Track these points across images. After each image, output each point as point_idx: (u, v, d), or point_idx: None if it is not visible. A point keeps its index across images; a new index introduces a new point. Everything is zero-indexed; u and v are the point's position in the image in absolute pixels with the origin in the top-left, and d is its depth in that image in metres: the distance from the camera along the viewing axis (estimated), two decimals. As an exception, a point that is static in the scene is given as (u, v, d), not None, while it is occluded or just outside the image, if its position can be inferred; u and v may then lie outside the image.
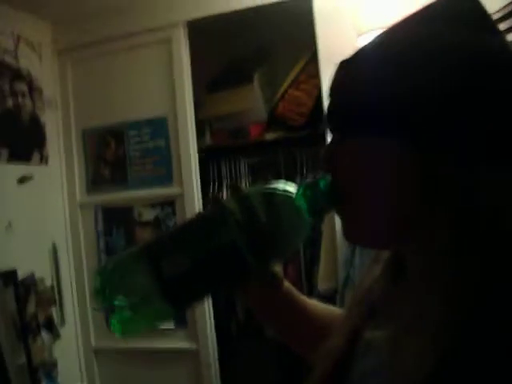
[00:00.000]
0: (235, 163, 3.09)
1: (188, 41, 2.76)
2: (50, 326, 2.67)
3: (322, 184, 0.68)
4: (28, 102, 2.67)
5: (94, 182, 2.92)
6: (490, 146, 0.56)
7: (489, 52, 0.58)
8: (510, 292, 0.53)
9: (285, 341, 0.92)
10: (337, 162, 0.65)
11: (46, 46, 2.84)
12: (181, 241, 0.70)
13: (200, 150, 2.80)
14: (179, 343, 2.79)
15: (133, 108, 2.82)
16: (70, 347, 2.84)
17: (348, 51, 2.18)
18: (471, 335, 0.52)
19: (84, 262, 2.92)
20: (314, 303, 0.90)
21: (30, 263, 2.58)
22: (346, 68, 0.65)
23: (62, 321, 2.78)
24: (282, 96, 2.86)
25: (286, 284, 0.84)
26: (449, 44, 0.57)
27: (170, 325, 2.78)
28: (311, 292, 2.70)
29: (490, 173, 0.56)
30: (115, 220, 2.88)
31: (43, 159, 2.76)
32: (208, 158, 3.03)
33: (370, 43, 0.64)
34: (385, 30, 0.64)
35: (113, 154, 2.88)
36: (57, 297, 2.76)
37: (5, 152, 2.50)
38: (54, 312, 2.73)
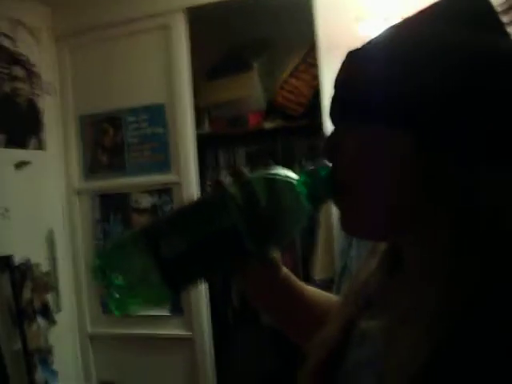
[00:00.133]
0: (233, 151, 3.09)
1: (187, 27, 2.74)
2: (46, 311, 2.68)
3: (322, 172, 0.68)
4: (26, 87, 2.65)
5: (92, 169, 2.91)
6: (490, 145, 0.56)
7: (490, 51, 0.57)
8: (508, 289, 0.52)
9: (282, 328, 0.91)
10: (339, 153, 0.65)
11: (45, 31, 2.82)
12: (180, 223, 0.70)
13: (198, 138, 2.79)
14: (175, 330, 2.79)
15: (131, 94, 2.81)
16: (66, 333, 2.84)
17: (348, 40, 2.17)
18: (467, 328, 0.52)
19: (81, 248, 2.92)
20: (312, 290, 0.89)
21: (27, 249, 2.58)
22: (354, 60, 0.64)
23: (58, 307, 2.78)
24: (281, 85, 2.85)
25: (285, 270, 0.84)
26: (450, 44, 0.57)
27: (165, 312, 2.79)
28: (308, 282, 2.70)
29: (491, 173, 0.55)
30: (112, 207, 2.88)
31: (41, 145, 2.75)
32: (206, 146, 3.03)
33: (377, 38, 0.64)
34: (391, 26, 0.64)
35: (111, 141, 2.87)
36: (53, 283, 2.76)
37: (2, 137, 2.49)
38: (50, 298, 2.73)
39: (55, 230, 2.80)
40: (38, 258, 2.66)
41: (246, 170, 0.71)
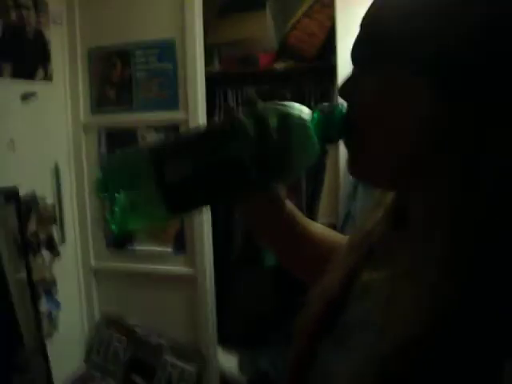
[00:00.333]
0: (242, 91, 3.04)
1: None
2: (51, 244, 2.70)
3: (337, 112, 0.68)
4: (33, 16, 2.59)
5: (99, 103, 2.88)
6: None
7: None
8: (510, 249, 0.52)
9: (288, 266, 0.92)
10: (357, 95, 0.64)
11: (53, -42, 2.74)
12: (188, 146, 0.70)
13: (207, 76, 2.75)
14: (177, 267, 2.83)
15: (141, 29, 2.75)
16: (70, 266, 2.88)
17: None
18: (473, 287, 0.51)
19: (86, 182, 2.92)
20: (318, 227, 0.90)
21: (32, 182, 2.58)
22: (387, 3, 0.62)
23: (63, 240, 2.81)
24: (294, 25, 2.79)
25: (290, 206, 0.84)
26: None
27: (169, 248, 2.81)
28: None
29: (504, 139, 0.54)
30: (118, 142, 2.86)
31: (47, 77, 2.71)
32: (215, 85, 2.99)
33: None
34: None
35: (118, 75, 2.83)
36: (58, 216, 2.77)
37: (8, 67, 2.45)
38: (55, 231, 2.75)
39: (61, 164, 2.80)
40: (44, 190, 2.66)
41: (260, 101, 0.70)
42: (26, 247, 2.47)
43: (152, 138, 2.79)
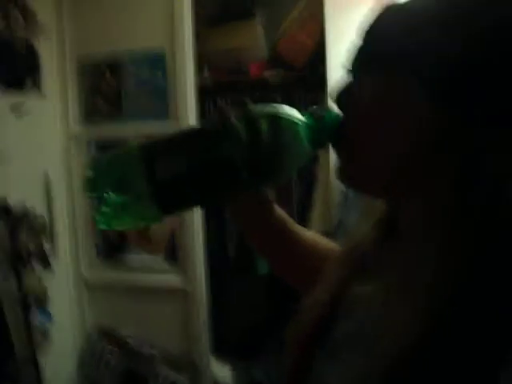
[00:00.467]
0: (232, 101, 3.05)
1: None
2: (42, 256, 2.69)
3: (328, 116, 0.68)
4: (21, 27, 2.59)
5: (89, 114, 2.87)
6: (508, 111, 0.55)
7: None
8: (507, 257, 0.52)
9: (279, 272, 0.92)
10: (352, 102, 0.64)
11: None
12: (179, 145, 0.70)
13: (198, 85, 2.75)
14: (169, 278, 2.82)
15: (131, 39, 2.75)
16: (61, 278, 2.86)
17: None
18: (463, 301, 0.51)
19: (77, 194, 2.91)
20: (310, 234, 0.90)
21: (23, 193, 2.57)
22: (390, 14, 0.63)
23: (54, 252, 2.79)
24: (284, 34, 2.80)
25: (280, 212, 0.84)
26: (481, 5, 0.56)
27: (160, 258, 2.80)
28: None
29: (504, 139, 0.55)
30: (108, 152, 2.84)
31: (37, 88, 2.70)
32: (205, 94, 2.99)
33: None
34: None
35: (108, 86, 2.83)
36: (48, 228, 2.76)
37: (-2, 79, 2.44)
38: (46, 243, 2.73)
39: (51, 175, 2.79)
40: (35, 202, 2.65)
41: (251, 103, 0.70)
42: (17, 259, 2.46)
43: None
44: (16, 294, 2.41)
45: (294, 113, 0.69)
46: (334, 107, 0.68)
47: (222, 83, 3.01)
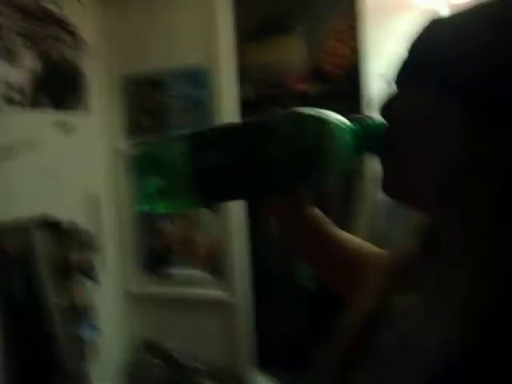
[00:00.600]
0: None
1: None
2: (89, 270, 2.74)
3: (374, 127, 0.68)
4: (71, 50, 2.67)
5: (133, 130, 2.92)
6: None
7: None
8: None
9: (319, 274, 0.93)
10: (396, 115, 0.64)
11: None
12: (224, 138, 0.71)
13: (239, 99, 2.78)
14: (215, 293, 2.84)
15: (173, 56, 2.79)
16: (109, 293, 2.91)
17: (392, 4, 2.11)
18: (497, 316, 0.52)
19: (123, 209, 2.96)
20: (351, 237, 0.90)
21: (71, 209, 2.63)
22: (437, 28, 0.63)
23: (102, 267, 2.84)
24: (323, 48, 2.81)
25: (318, 213, 0.85)
26: None
27: (205, 272, 2.82)
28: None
29: None
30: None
31: (84, 107, 2.77)
32: (246, 108, 3.01)
33: (463, 11, 0.63)
34: (478, 3, 0.62)
35: (152, 102, 2.88)
36: (96, 242, 2.81)
37: (46, 99, 2.52)
38: (94, 258, 2.79)
39: (99, 191, 2.85)
40: (82, 218, 2.71)
41: (300, 108, 0.71)
42: (67, 274, 2.51)
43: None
44: (65, 308, 2.47)
45: (341, 119, 0.70)
46: (377, 117, 0.69)
47: (262, 96, 3.03)
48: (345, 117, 0.71)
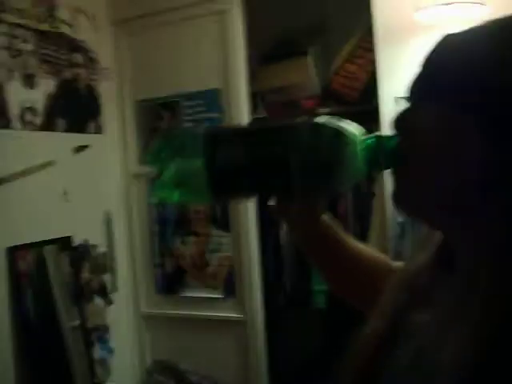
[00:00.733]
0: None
1: (243, 12, 2.73)
2: (103, 291, 2.75)
3: (388, 141, 0.69)
4: (85, 72, 2.72)
5: (147, 153, 2.95)
6: None
7: None
8: None
9: (332, 285, 0.94)
10: (410, 129, 0.65)
11: (103, 17, 2.87)
12: (243, 136, 0.74)
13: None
14: (228, 312, 2.83)
15: (187, 79, 2.83)
16: (122, 313, 2.92)
17: (405, 25, 2.13)
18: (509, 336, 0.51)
19: (136, 231, 2.98)
20: (366, 248, 0.90)
21: (85, 231, 2.65)
22: (450, 45, 0.64)
23: (114, 287, 2.86)
24: (336, 70, 2.83)
25: (332, 221, 0.85)
26: None
27: (219, 294, 2.83)
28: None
29: None
30: (167, 191, 2.91)
31: (99, 129, 2.81)
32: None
33: (476, 27, 0.63)
34: (492, 19, 0.63)
35: (166, 126, 2.90)
36: (110, 264, 2.83)
37: (62, 122, 2.56)
38: (107, 278, 2.80)
39: (112, 213, 2.87)
40: (96, 239, 2.73)
41: (318, 117, 0.73)
42: (80, 295, 2.52)
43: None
44: (78, 329, 2.47)
45: (357, 131, 0.71)
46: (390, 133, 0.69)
47: (276, 119, 3.04)
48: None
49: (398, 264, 0.85)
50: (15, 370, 2.24)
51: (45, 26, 2.51)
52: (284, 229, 2.91)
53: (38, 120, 2.45)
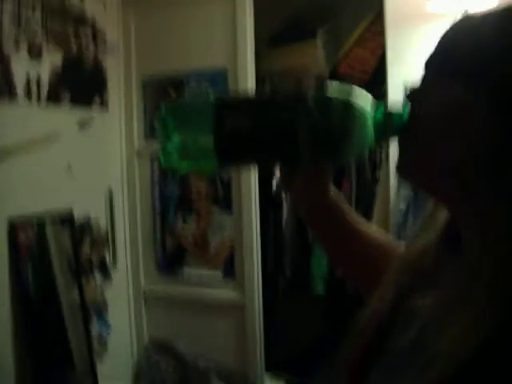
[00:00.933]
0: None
1: (252, -7, 2.71)
2: (103, 267, 2.76)
3: (397, 113, 0.69)
4: (91, 46, 2.70)
5: (152, 130, 2.94)
6: None
7: None
8: None
9: (333, 260, 0.94)
10: (423, 100, 0.65)
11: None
12: (251, 105, 0.73)
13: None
14: (227, 294, 2.84)
15: (194, 59, 2.81)
16: (121, 289, 2.93)
17: (416, 9, 2.11)
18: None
19: (138, 207, 2.98)
20: (370, 225, 0.89)
21: (87, 206, 2.65)
22: (470, 22, 0.64)
23: (115, 263, 2.86)
24: (345, 54, 2.80)
25: (337, 194, 0.85)
26: None
27: (218, 274, 2.83)
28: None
29: None
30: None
31: (104, 104, 2.80)
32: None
33: (496, 9, 0.63)
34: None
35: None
36: (110, 240, 2.83)
37: (67, 95, 2.55)
38: (107, 254, 2.80)
39: (114, 189, 2.87)
40: (98, 215, 2.73)
41: (329, 84, 0.72)
42: (80, 270, 2.53)
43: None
44: (77, 304, 2.48)
45: (367, 100, 0.70)
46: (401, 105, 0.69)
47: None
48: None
49: (403, 245, 0.85)
50: (13, 343, 2.25)
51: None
52: (285, 213, 2.91)
53: (43, 93, 2.43)
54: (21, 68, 2.33)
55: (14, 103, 2.30)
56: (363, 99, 0.70)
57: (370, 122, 0.69)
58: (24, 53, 2.34)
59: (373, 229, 0.89)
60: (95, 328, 2.65)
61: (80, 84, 2.64)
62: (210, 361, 2.85)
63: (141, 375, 2.97)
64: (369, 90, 0.72)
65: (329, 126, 0.69)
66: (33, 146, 2.36)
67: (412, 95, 0.67)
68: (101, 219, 2.76)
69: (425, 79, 0.67)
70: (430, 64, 0.66)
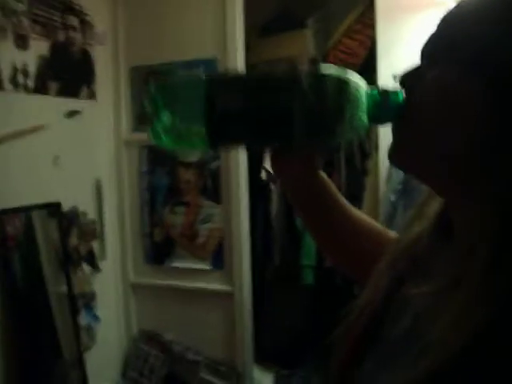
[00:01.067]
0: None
1: (242, -18, 2.69)
2: (91, 258, 2.75)
3: (393, 96, 0.68)
4: (79, 36, 2.67)
5: (141, 121, 2.93)
6: None
7: None
8: None
9: (322, 245, 0.93)
10: (417, 86, 0.64)
11: (100, -20, 2.82)
12: (244, 84, 0.72)
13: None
14: (215, 284, 2.84)
15: (183, 48, 2.79)
16: (109, 281, 2.92)
17: (406, 3, 2.10)
18: (505, 314, 0.51)
19: (126, 198, 2.97)
20: (358, 211, 0.89)
21: (75, 197, 2.63)
22: (470, 5, 0.63)
23: (103, 255, 2.85)
24: (335, 45, 2.80)
25: (326, 179, 0.84)
26: None
27: (207, 266, 2.83)
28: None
29: None
30: (159, 159, 2.90)
31: (92, 95, 2.77)
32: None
33: None
34: None
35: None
36: (98, 231, 2.82)
37: (54, 85, 2.52)
38: (95, 246, 2.79)
39: (103, 180, 2.85)
40: (85, 206, 2.72)
41: (323, 64, 0.71)
42: (67, 261, 2.51)
43: (192, 155, 2.82)
44: (65, 295, 2.47)
45: (361, 83, 0.70)
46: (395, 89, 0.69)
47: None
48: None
49: (394, 233, 0.84)
50: (0, 334, 2.23)
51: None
52: (275, 203, 2.91)
53: (30, 82, 2.41)
54: (7, 57, 2.30)
55: (0, 93, 2.27)
56: (358, 78, 0.70)
57: (365, 100, 0.69)
58: (10, 42, 2.31)
59: (364, 215, 0.89)
60: (83, 319, 2.64)
61: (68, 74, 2.62)
62: (198, 352, 2.85)
63: (129, 366, 2.97)
64: (358, 81, 0.71)
65: (324, 102, 0.68)
66: (20, 136, 2.34)
67: (406, 80, 0.67)
68: (89, 210, 2.74)
69: (421, 65, 0.66)
70: (426, 50, 0.66)
